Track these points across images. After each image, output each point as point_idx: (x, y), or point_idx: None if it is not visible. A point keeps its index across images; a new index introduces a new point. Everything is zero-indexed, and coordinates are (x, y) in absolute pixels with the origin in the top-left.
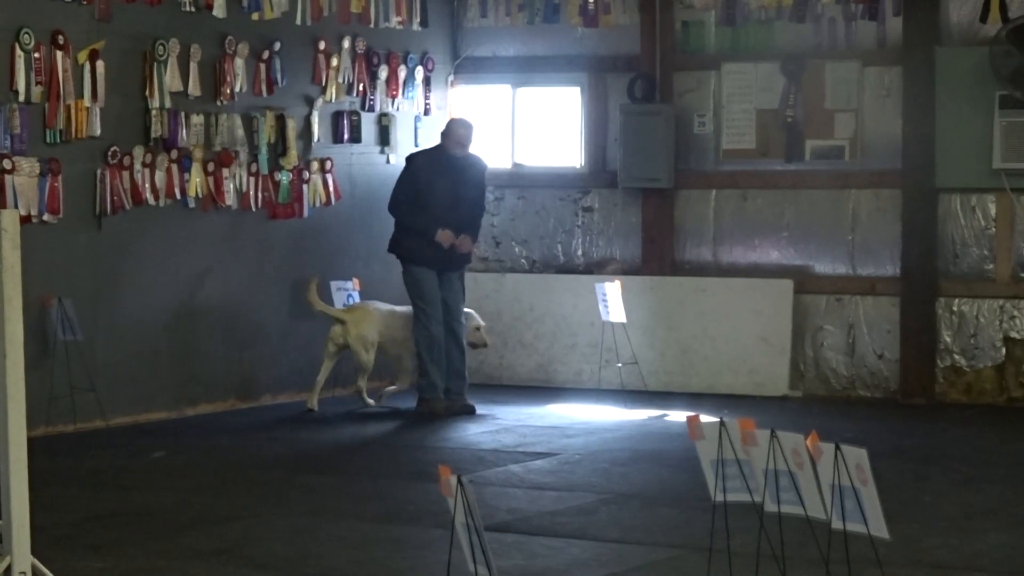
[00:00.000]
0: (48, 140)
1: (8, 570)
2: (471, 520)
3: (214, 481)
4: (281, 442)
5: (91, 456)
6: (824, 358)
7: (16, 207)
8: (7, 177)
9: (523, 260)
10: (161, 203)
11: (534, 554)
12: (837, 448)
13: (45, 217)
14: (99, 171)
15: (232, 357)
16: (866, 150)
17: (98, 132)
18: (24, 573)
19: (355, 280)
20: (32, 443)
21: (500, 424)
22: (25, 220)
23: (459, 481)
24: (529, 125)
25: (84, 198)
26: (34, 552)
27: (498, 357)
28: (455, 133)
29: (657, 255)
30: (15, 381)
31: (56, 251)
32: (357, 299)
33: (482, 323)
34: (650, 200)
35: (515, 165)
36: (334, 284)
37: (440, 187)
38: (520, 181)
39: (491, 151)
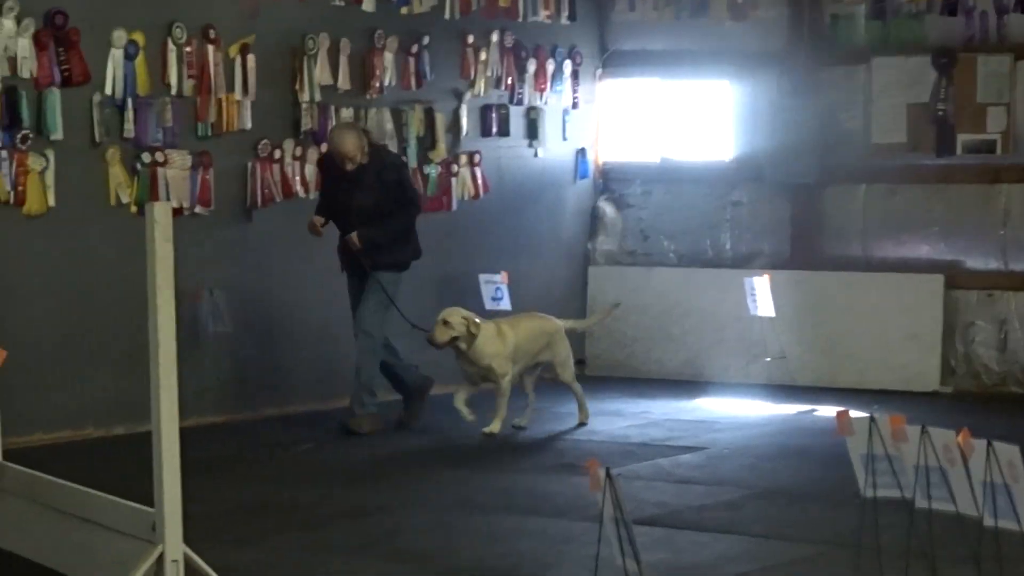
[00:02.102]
0: (199, 134)
1: (160, 558)
2: (619, 514)
3: (360, 474)
4: (427, 436)
5: (241, 447)
6: (975, 354)
7: (168, 199)
8: (159, 170)
9: (671, 254)
10: (311, 196)
11: (681, 549)
12: (989, 445)
13: (196, 209)
14: (249, 164)
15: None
16: (1018, 144)
17: (248, 125)
18: (176, 562)
19: (503, 274)
20: (183, 434)
21: (648, 418)
22: (177, 212)
23: (607, 475)
24: (677, 119)
25: (234, 191)
26: (185, 542)
27: (645, 351)
28: (330, 147)
29: (805, 250)
30: (167, 372)
31: (207, 243)
32: (505, 293)
33: (456, 317)
34: (798, 195)
35: (663, 159)
36: (482, 278)
37: (337, 193)
38: (668, 175)
39: (639, 145)
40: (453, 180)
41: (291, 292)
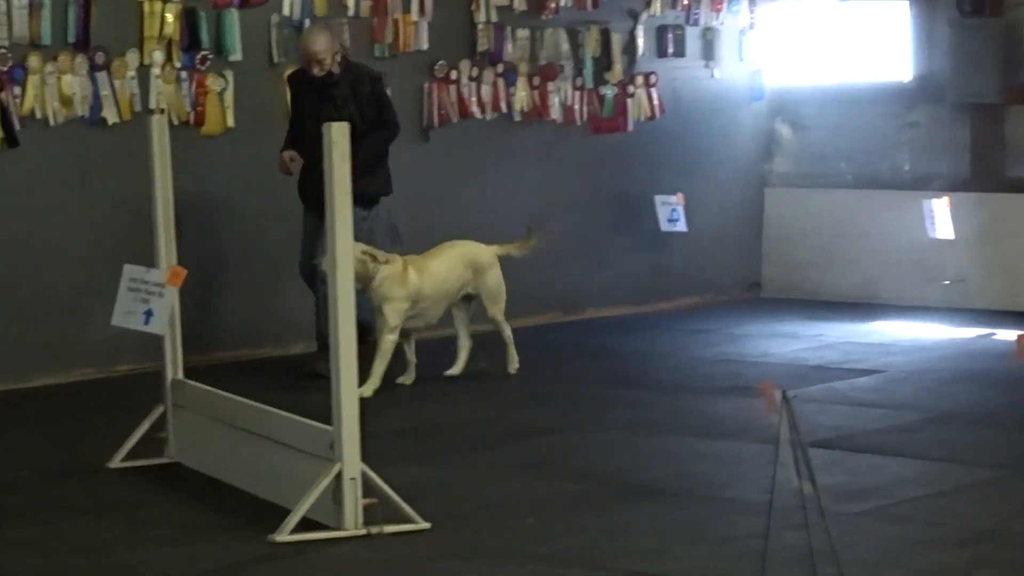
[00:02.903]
0: (376, 54)
1: (338, 476)
2: (795, 436)
3: (536, 394)
4: (601, 356)
5: (418, 366)
6: None
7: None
8: None
9: (847, 176)
10: (487, 116)
11: (857, 472)
12: None
13: None
14: (426, 85)
15: (554, 271)
16: None
17: (425, 46)
18: (354, 479)
19: (679, 195)
20: (362, 352)
21: (823, 341)
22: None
23: (783, 397)
24: (854, 40)
25: (411, 111)
26: (362, 460)
27: (820, 274)
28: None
29: (986, 172)
30: (345, 293)
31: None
32: (681, 214)
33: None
34: (979, 116)
35: (840, 80)
36: (658, 199)
37: (305, 110)
38: (845, 96)
39: (815, 66)
40: (629, 101)
41: (467, 211)
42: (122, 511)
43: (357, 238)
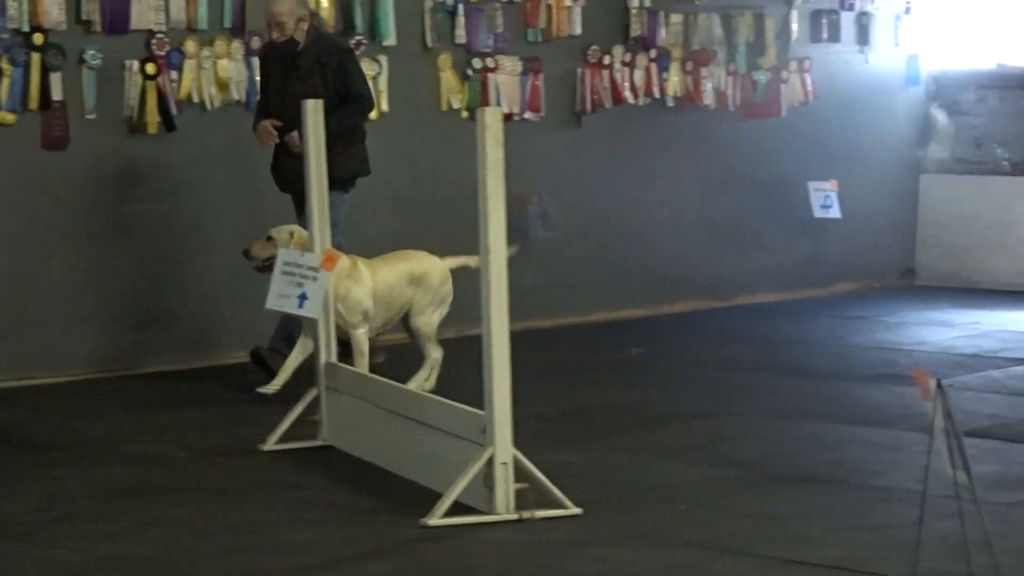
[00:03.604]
0: (529, 39)
1: (490, 461)
2: (949, 425)
3: (686, 379)
4: (753, 342)
5: (568, 351)
6: None
7: (498, 105)
8: (489, 75)
9: (1004, 162)
10: (640, 102)
11: (1013, 461)
12: None
13: (526, 115)
14: (579, 70)
15: (705, 256)
16: None
17: (578, 31)
18: (505, 464)
19: (832, 181)
20: (513, 337)
21: (979, 329)
22: (507, 118)
23: (938, 385)
24: (1013, 24)
25: (564, 96)
26: (513, 444)
27: (976, 261)
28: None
29: None
30: (497, 276)
31: (535, 148)
32: (835, 201)
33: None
34: None
35: (999, 65)
36: (811, 185)
37: (272, 83)
38: (1003, 82)
39: (973, 51)
40: (782, 86)
41: (619, 197)
42: (276, 492)
43: (335, 225)
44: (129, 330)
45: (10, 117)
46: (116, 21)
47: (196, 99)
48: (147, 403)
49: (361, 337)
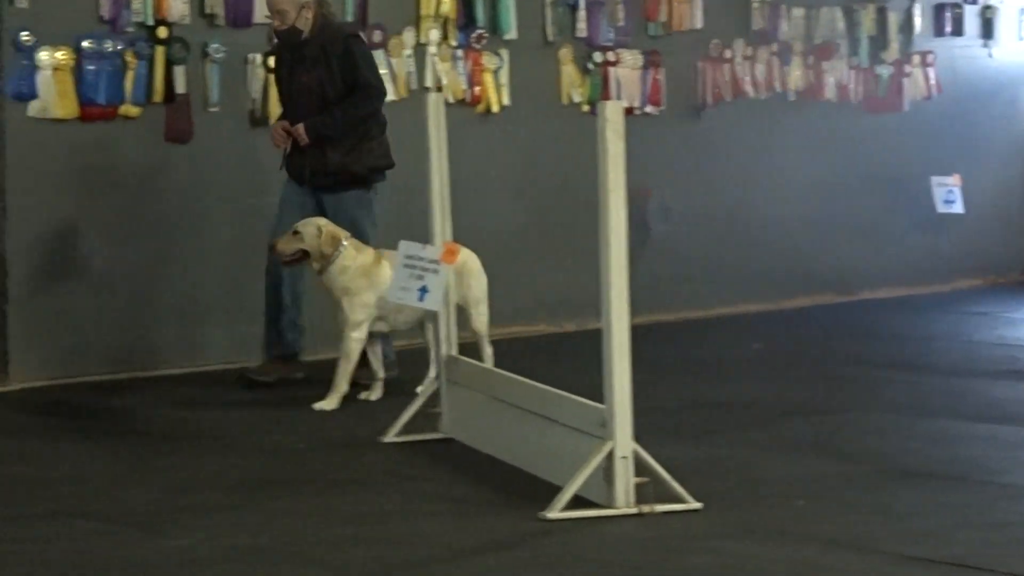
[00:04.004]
0: (650, 32)
1: (610, 455)
2: None
3: (807, 374)
4: (875, 338)
5: (689, 345)
6: None
7: (619, 99)
8: (610, 69)
9: None
10: (761, 96)
11: None
12: None
13: (647, 109)
14: (699, 64)
15: (827, 250)
16: None
17: (699, 25)
18: (625, 458)
19: (956, 176)
20: (633, 331)
21: None
22: (627, 112)
23: None
24: None
25: (684, 90)
26: (633, 438)
27: None
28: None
29: None
30: (618, 270)
31: (656, 142)
32: (958, 196)
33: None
34: None
35: None
36: (935, 180)
37: (282, 74)
38: None
39: None
40: (905, 80)
41: (740, 191)
42: (397, 484)
43: (358, 225)
44: (255, 322)
45: (134, 110)
46: (239, 15)
47: None
48: (272, 395)
49: (355, 341)
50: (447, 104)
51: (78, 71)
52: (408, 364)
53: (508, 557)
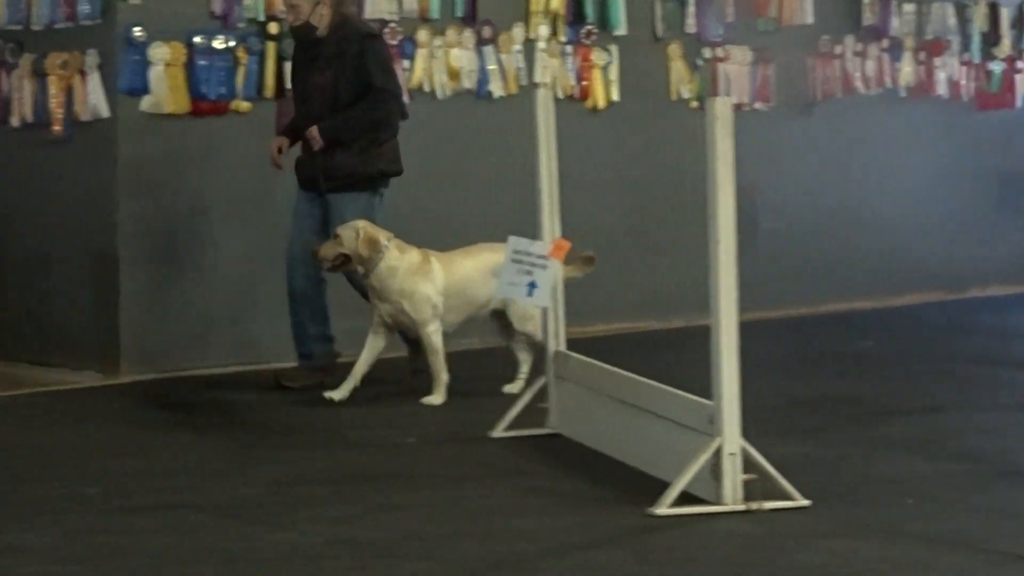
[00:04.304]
0: (760, 28)
1: (718, 451)
2: None
3: (917, 372)
4: (985, 335)
5: (797, 342)
6: None
7: (728, 95)
8: (719, 65)
9: None
10: (871, 92)
11: None
12: None
13: (756, 105)
14: (809, 59)
15: (936, 247)
16: None
17: (809, 20)
18: (733, 454)
19: None
20: (741, 327)
21: None
22: (737, 108)
23: None
24: None
25: (793, 86)
26: (741, 434)
27: None
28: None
29: None
30: (727, 267)
31: (765, 139)
32: None
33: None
34: None
35: None
36: None
37: (296, 77)
38: None
39: None
40: (1017, 77)
41: (849, 187)
42: (504, 479)
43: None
44: (362, 317)
45: (245, 105)
46: None
47: (427, 88)
48: (380, 390)
49: (432, 334)
50: (556, 100)
51: (190, 66)
52: (495, 362)
53: (616, 553)
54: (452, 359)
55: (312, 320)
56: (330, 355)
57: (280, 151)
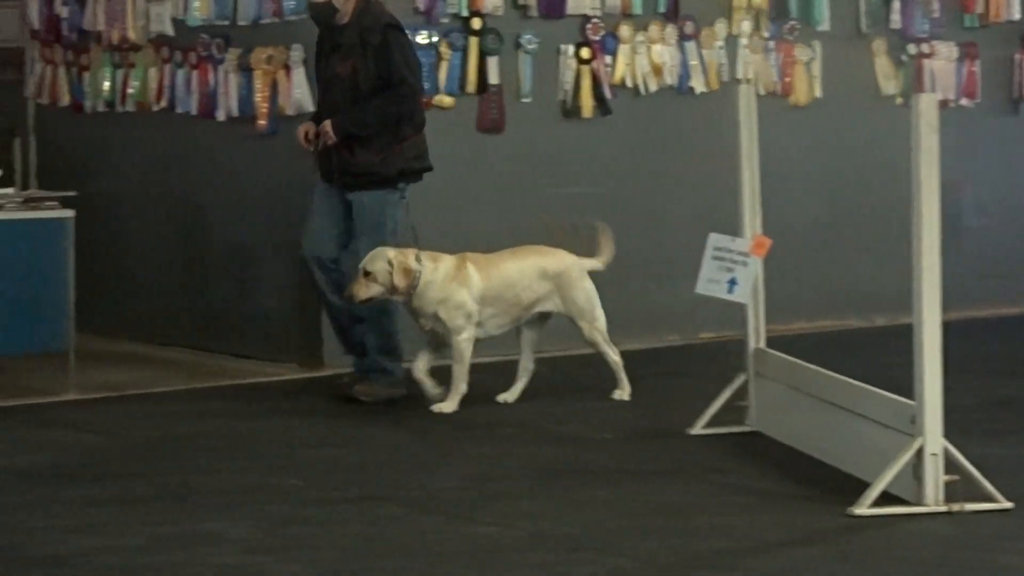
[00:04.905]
0: (966, 24)
1: (919, 452)
2: None
3: None
4: None
5: (1001, 342)
6: None
7: (933, 91)
8: (925, 61)
9: None
10: None
11: None
12: None
13: (962, 102)
14: (1016, 56)
15: None
16: None
17: (1016, 16)
18: (935, 455)
19: None
20: (944, 327)
21: None
22: (942, 105)
23: None
24: None
25: (1001, 83)
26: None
27: None
28: None
29: None
30: (930, 265)
31: (970, 136)
32: None
33: (387, 261)
34: None
35: None
36: None
37: (318, 64)
38: None
39: None
40: None
41: None
42: (701, 476)
43: (379, 228)
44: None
45: (448, 100)
46: (552, 6)
47: (630, 84)
48: (572, 384)
49: (463, 341)
50: (758, 96)
51: None
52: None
53: (815, 552)
54: (658, 354)
55: (354, 324)
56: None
57: (307, 138)
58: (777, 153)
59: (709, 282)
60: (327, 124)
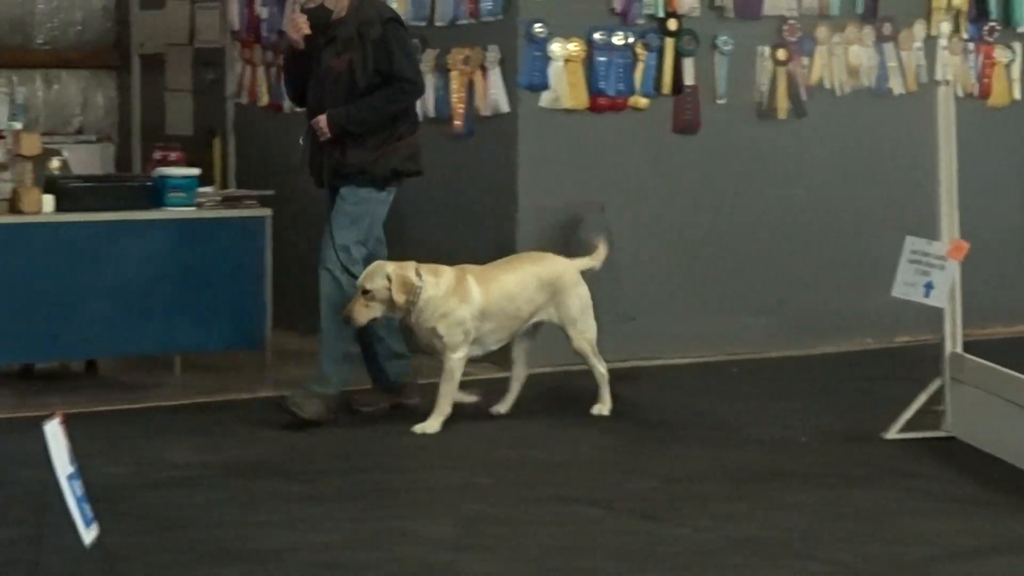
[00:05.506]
0: None
1: None
2: None
3: None
4: None
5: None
6: None
7: None
8: None
9: None
10: None
11: None
12: None
13: None
14: None
15: None
16: None
17: None
18: None
19: None
20: None
21: None
22: None
23: None
24: None
25: None
26: None
27: None
28: None
29: None
30: None
31: None
32: None
33: (384, 279)
34: None
35: None
36: None
37: (316, 60)
38: None
39: None
40: None
41: None
42: (897, 481)
43: (357, 224)
44: (754, 314)
45: (643, 101)
46: (749, 7)
47: (827, 85)
48: (772, 387)
49: (456, 360)
50: (956, 97)
51: (589, 62)
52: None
53: (1009, 560)
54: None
55: (389, 335)
56: (399, 373)
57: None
58: (975, 155)
59: (905, 285)
60: (321, 119)
